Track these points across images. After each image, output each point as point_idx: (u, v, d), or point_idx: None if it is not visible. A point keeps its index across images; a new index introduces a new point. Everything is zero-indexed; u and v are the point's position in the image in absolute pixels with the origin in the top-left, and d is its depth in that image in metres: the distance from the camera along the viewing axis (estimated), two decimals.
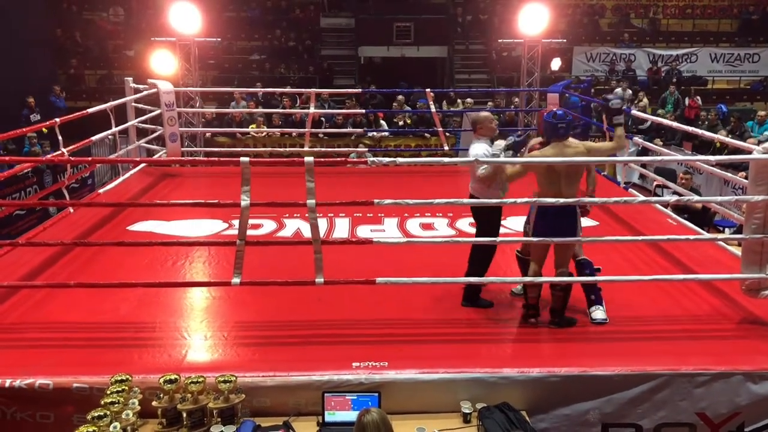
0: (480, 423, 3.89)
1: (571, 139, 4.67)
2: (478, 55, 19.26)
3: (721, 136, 6.82)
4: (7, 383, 3.96)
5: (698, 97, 15.61)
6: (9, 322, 4.79)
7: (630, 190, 8.43)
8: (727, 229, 8.72)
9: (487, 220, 4.93)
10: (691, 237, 5.96)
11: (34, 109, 12.54)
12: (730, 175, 6.86)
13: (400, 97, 13.56)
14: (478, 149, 4.81)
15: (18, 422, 4.00)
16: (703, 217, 8.09)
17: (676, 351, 4.39)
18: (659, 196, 9.22)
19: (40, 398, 3.96)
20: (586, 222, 6.87)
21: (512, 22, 12.24)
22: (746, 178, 5.23)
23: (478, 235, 5.04)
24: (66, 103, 14.54)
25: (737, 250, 5.48)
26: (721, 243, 6.06)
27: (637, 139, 9.72)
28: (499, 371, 4.14)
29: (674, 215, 7.07)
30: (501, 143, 4.66)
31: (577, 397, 4.15)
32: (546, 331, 4.77)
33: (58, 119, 7.02)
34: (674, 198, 7.07)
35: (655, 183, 9.23)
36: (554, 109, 4.81)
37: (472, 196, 4.91)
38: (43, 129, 7.01)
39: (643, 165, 9.72)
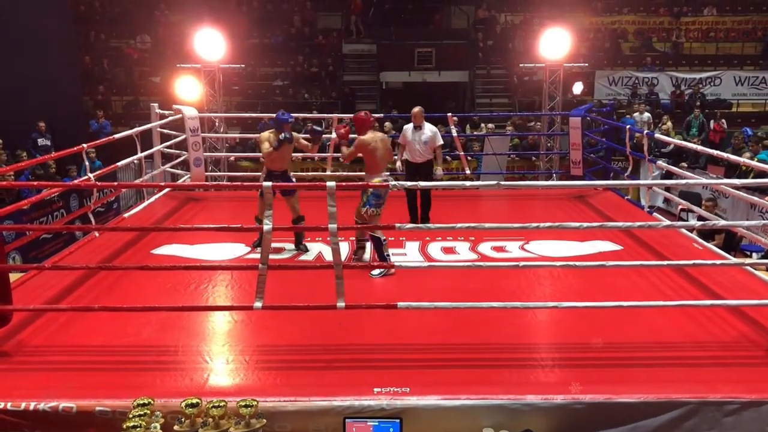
0: None
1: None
2: (499, 80, 19.32)
3: (746, 159, 6.72)
4: (32, 406, 3.99)
5: (723, 121, 15.43)
6: (34, 345, 4.83)
7: (654, 214, 8.35)
8: (754, 254, 8.58)
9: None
10: (718, 262, 5.86)
11: (44, 134, 12.74)
12: (756, 198, 6.74)
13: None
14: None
15: None
16: (730, 242, 7.97)
17: (704, 378, 4.30)
18: (684, 220, 9.10)
19: (63, 421, 3.98)
20: (610, 246, 6.84)
21: (533, 47, 12.27)
22: None
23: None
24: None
25: (765, 275, 5.39)
26: (748, 268, 5.96)
27: (661, 162, 9.64)
28: (522, 398, 4.09)
29: (700, 240, 6.97)
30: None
31: (602, 425, 4.06)
32: (570, 357, 4.71)
33: (85, 145, 7.15)
34: (699, 223, 6.98)
35: (679, 207, 9.12)
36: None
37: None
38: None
39: (667, 189, 9.62)
